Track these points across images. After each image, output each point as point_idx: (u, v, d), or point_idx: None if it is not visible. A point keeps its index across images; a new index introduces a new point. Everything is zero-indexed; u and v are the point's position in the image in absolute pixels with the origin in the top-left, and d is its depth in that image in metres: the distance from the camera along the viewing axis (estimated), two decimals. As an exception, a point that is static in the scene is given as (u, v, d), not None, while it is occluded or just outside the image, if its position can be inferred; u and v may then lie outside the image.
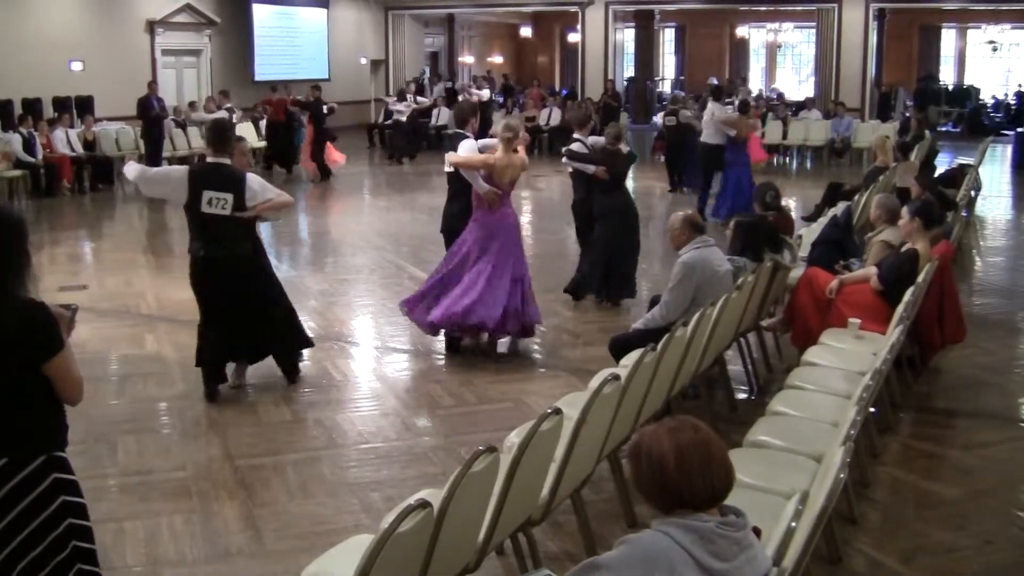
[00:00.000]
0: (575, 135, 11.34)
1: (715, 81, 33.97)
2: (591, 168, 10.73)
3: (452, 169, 9.00)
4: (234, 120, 18.46)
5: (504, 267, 8.66)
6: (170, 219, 16.75)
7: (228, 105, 18.69)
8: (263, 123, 22.76)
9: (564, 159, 11.22)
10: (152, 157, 20.49)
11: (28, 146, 18.32)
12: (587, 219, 11.07)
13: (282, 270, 12.39)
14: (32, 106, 20.13)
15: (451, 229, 9.25)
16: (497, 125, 9.18)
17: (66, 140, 19.28)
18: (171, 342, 9.33)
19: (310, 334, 8.79)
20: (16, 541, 3.66)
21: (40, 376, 3.65)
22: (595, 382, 5.31)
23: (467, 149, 8.85)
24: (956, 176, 14.67)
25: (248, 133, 22.36)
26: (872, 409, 6.22)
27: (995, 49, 35.06)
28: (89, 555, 3.85)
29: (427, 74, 33.81)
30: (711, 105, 16.68)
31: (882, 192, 10.85)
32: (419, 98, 25.75)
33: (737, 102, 18.98)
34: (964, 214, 12.16)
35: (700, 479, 2.92)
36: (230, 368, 8.07)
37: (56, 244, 14.37)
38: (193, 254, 7.70)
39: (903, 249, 7.96)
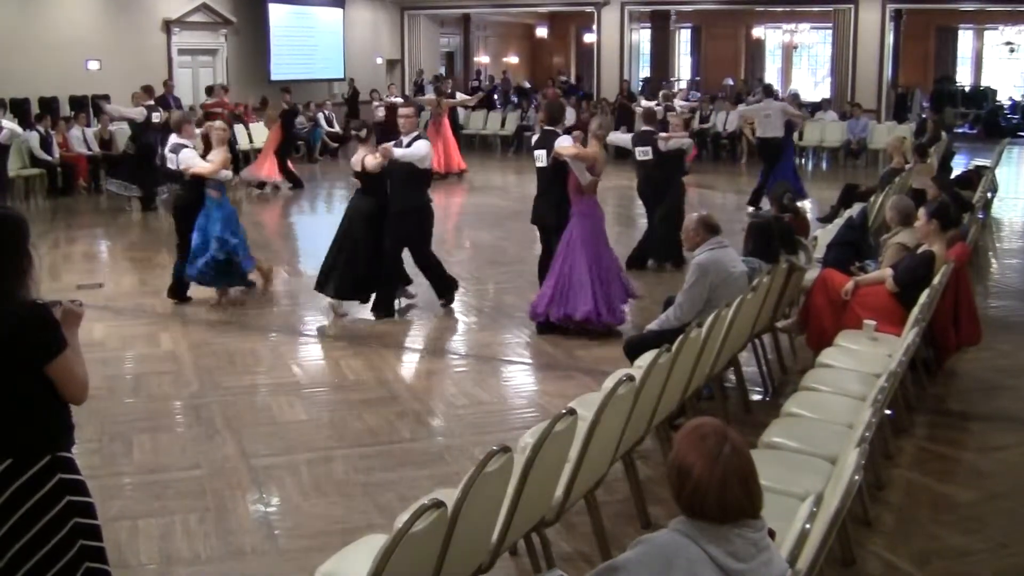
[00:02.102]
0: (646, 127, 13.02)
1: (731, 81, 34.01)
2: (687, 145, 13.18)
3: (545, 164, 9.69)
4: (155, 119, 17.79)
5: (604, 256, 9.58)
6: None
7: (149, 102, 18.18)
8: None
9: (667, 141, 12.70)
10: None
11: (45, 145, 18.39)
12: (657, 196, 12.60)
13: (300, 270, 12.45)
14: (49, 105, 20.19)
15: (544, 221, 10.06)
16: (592, 123, 10.12)
17: (82, 139, 19.33)
18: (186, 341, 9.36)
19: (325, 334, 9.80)
20: (23, 541, 3.67)
21: (43, 377, 3.65)
22: (609, 383, 5.31)
23: (567, 142, 9.56)
24: (972, 178, 14.60)
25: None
26: (887, 411, 6.20)
27: (1012, 50, 34.88)
28: (97, 553, 3.86)
29: (428, 74, 33.36)
30: (776, 103, 17.97)
31: (898, 194, 10.81)
32: (392, 98, 24.72)
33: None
34: (980, 216, 12.12)
35: (720, 500, 2.90)
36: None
37: (72, 242, 14.42)
38: (425, 205, 10.10)
39: (919, 251, 7.94)
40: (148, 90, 18.24)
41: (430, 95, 23.27)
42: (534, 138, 10.12)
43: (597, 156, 9.50)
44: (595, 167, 9.45)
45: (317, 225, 17.09)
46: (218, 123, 11.29)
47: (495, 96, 32.76)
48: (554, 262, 9.47)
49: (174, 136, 10.75)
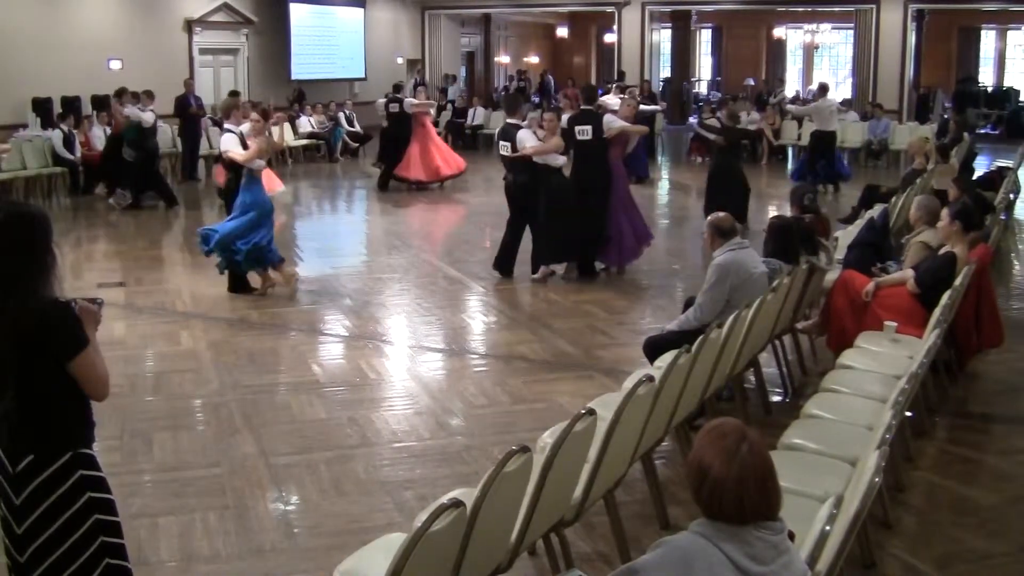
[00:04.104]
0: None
1: (752, 82, 33.93)
2: (712, 136, 15.78)
3: (589, 137, 11.69)
4: (158, 124, 17.90)
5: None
6: (206, 218, 16.83)
7: (151, 107, 18.02)
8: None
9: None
10: (189, 154, 20.65)
11: (67, 144, 18.48)
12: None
13: (318, 268, 12.46)
14: (71, 104, 20.28)
15: (589, 184, 11.86)
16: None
17: (104, 138, 19.39)
18: (206, 339, 9.38)
19: (345, 333, 9.74)
20: (43, 537, 3.70)
21: (65, 374, 3.67)
22: (629, 383, 5.30)
23: (618, 122, 11.97)
24: (995, 179, 14.54)
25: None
26: (908, 413, 6.17)
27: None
28: (117, 550, 3.87)
29: (437, 75, 32.94)
30: (830, 99, 20.55)
31: (920, 195, 10.75)
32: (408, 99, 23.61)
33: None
34: (1003, 217, 12.05)
35: (737, 500, 2.89)
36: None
37: (93, 241, 14.49)
38: None
39: (941, 252, 7.89)
40: (150, 95, 18.23)
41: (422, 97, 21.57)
42: (568, 116, 12.19)
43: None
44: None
45: (338, 225, 17.14)
46: (254, 115, 11.39)
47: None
48: (616, 216, 11.73)
49: (225, 123, 11.25)
